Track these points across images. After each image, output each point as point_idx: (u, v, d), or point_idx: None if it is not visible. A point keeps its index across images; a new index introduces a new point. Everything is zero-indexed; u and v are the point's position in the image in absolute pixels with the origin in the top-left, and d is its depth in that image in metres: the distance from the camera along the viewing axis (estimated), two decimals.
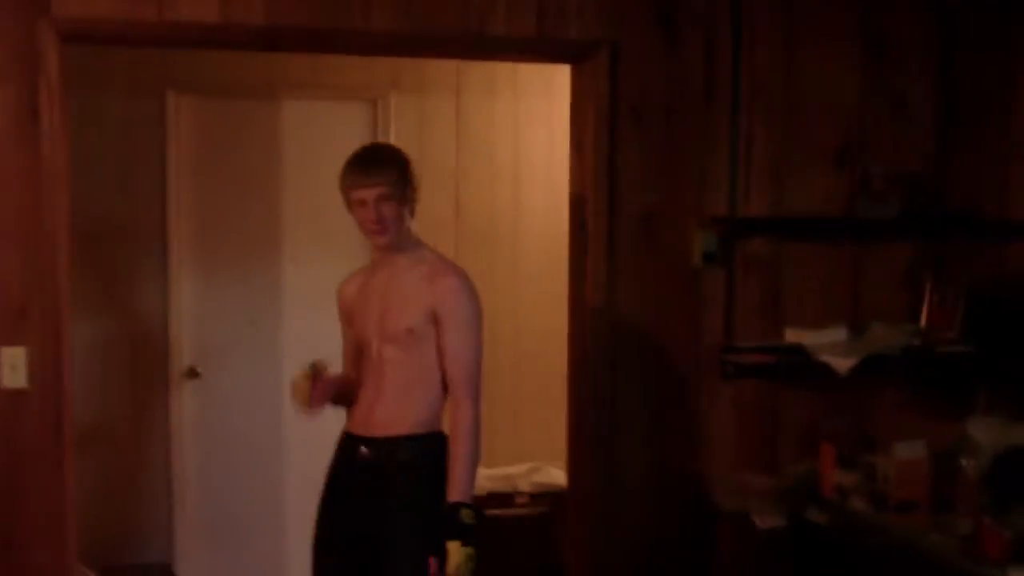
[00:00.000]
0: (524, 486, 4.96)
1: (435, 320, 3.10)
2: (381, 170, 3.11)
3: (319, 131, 5.01)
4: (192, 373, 5.00)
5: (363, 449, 3.18)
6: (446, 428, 3.17)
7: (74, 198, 3.55)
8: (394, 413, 3.15)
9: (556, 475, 4.91)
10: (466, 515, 2.99)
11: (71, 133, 3.53)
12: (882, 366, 3.66)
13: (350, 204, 3.16)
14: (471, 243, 5.17)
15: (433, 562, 2.97)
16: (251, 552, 5.10)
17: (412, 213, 3.19)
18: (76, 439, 3.53)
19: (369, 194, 3.08)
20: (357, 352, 3.35)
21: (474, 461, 3.07)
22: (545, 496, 4.92)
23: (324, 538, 3.27)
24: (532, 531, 4.83)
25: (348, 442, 3.27)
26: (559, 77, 4.79)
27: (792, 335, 3.76)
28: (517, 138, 5.33)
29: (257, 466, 5.09)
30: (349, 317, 3.34)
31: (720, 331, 3.80)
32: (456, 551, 2.94)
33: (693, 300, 3.79)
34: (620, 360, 3.74)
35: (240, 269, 5.07)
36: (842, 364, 3.58)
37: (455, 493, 3.02)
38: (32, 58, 3.24)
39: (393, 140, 5.03)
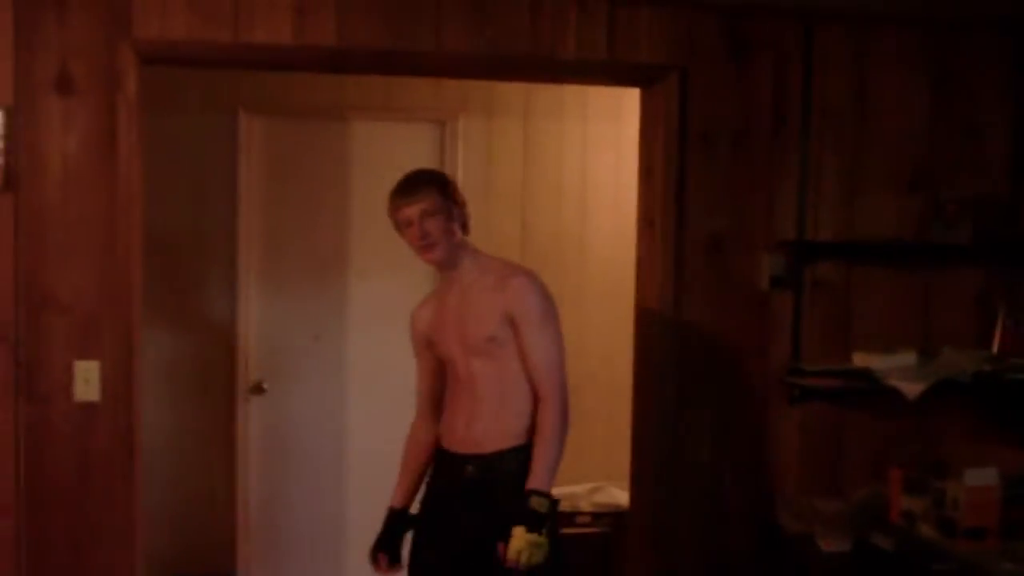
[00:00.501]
0: (586, 506, 4.94)
1: (512, 323, 3.11)
2: (421, 188, 3.16)
3: (387, 151, 5.06)
4: (258, 388, 5.06)
5: (469, 468, 3.18)
6: None
7: (147, 214, 3.61)
8: (494, 427, 3.15)
9: (618, 495, 4.90)
10: (536, 503, 2.95)
11: (146, 150, 3.61)
12: (953, 392, 3.61)
13: (399, 227, 3.21)
14: (537, 264, 4.99)
15: (501, 547, 2.93)
16: (313, 566, 5.14)
17: (465, 230, 3.24)
18: (144, 451, 3.59)
19: (413, 211, 3.13)
20: (436, 381, 3.40)
21: (554, 454, 3.03)
22: (606, 516, 4.91)
23: (429, 558, 3.25)
24: (593, 551, 4.81)
25: (449, 461, 3.26)
26: (628, 100, 4.82)
27: (860, 359, 3.73)
28: (585, 161, 5.33)
29: (321, 481, 5.13)
30: (429, 341, 3.35)
31: (787, 354, 3.78)
32: (519, 536, 2.90)
33: (761, 323, 3.78)
34: (686, 382, 3.74)
35: (307, 286, 5.12)
36: (912, 389, 3.54)
37: (531, 481, 3.00)
38: (112, 78, 3.32)
39: (461, 162, 5.10)
